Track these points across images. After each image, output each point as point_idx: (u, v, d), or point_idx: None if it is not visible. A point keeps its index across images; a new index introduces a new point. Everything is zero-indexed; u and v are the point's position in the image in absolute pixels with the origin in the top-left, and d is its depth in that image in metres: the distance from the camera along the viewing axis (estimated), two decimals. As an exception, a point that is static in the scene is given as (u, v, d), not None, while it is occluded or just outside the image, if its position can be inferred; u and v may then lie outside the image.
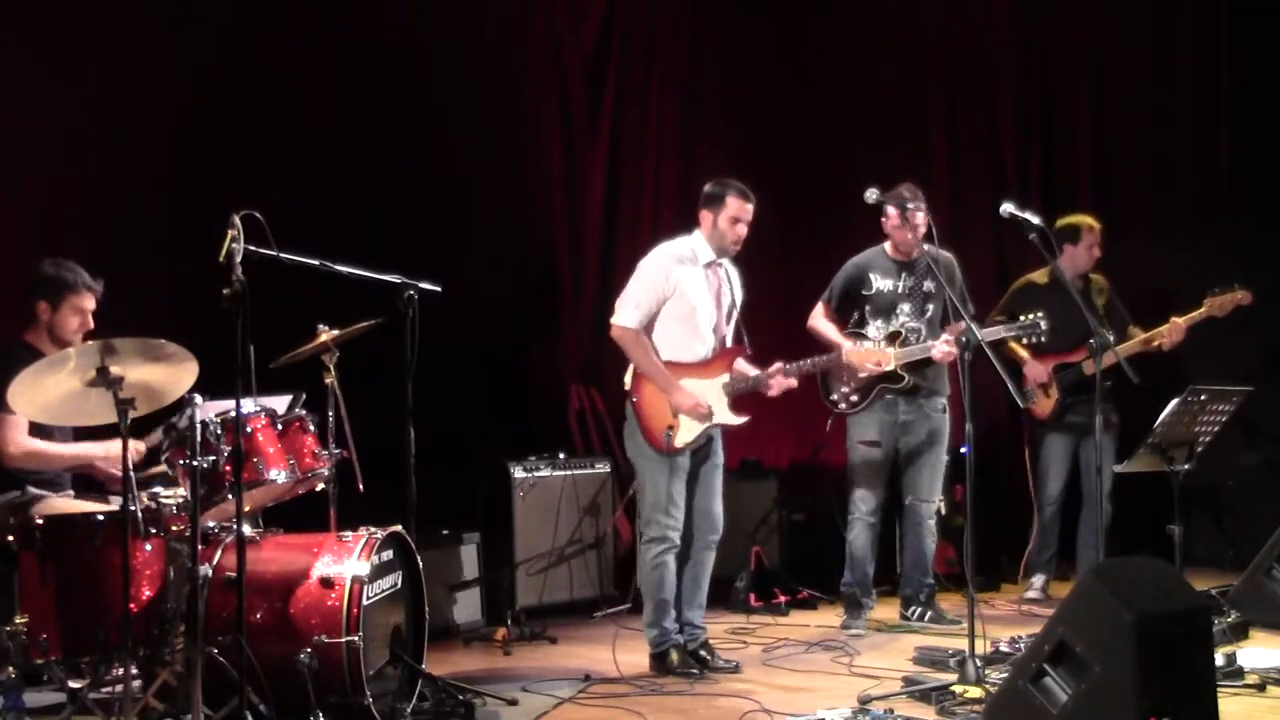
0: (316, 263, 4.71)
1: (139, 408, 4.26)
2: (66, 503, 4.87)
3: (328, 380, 5.10)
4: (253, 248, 4.23)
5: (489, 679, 5.42)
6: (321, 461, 4.91)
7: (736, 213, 5.56)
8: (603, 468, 7.16)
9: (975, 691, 4.77)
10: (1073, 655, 3.94)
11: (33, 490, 4.84)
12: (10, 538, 4.34)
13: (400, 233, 6.62)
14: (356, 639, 4.43)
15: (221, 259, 4.15)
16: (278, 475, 4.73)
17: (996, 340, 5.85)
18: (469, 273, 6.81)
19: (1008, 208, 5.39)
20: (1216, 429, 5.81)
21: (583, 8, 7.92)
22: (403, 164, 6.89)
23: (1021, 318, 5.94)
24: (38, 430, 4.77)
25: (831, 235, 7.51)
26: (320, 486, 5.04)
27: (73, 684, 4.46)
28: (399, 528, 4.83)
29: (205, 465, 4.38)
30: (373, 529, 4.71)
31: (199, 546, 4.28)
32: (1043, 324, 5.84)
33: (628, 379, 5.61)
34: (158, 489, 4.68)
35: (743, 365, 5.64)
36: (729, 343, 5.67)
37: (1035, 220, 5.40)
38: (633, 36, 8.04)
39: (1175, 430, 5.69)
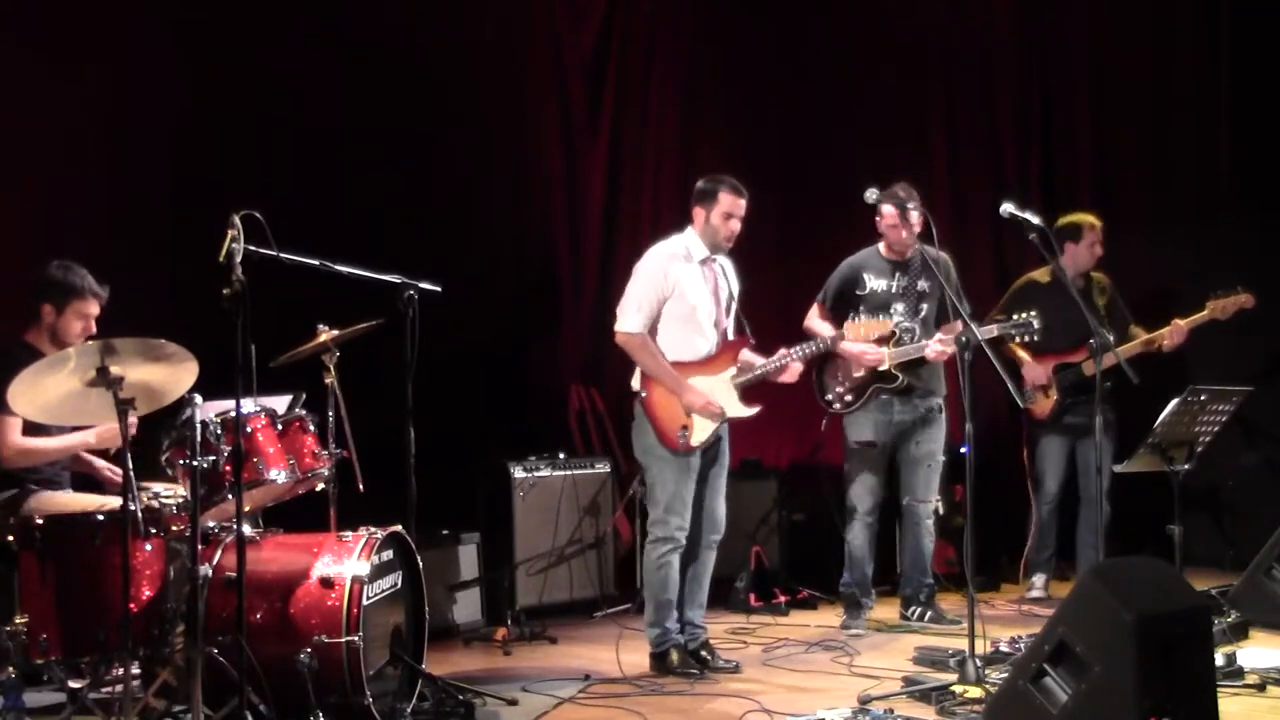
0: (316, 263, 4.71)
1: (139, 408, 4.26)
2: (66, 496, 4.87)
3: (328, 380, 5.09)
4: (253, 248, 4.23)
5: (489, 679, 5.42)
6: (321, 461, 4.91)
7: (729, 208, 5.55)
8: (603, 468, 7.16)
9: (975, 691, 4.77)
10: (1073, 655, 3.94)
11: (32, 488, 4.84)
12: (10, 537, 4.34)
13: (400, 233, 6.62)
14: (356, 639, 4.43)
15: (221, 259, 4.15)
16: (278, 475, 4.73)
17: (994, 340, 5.84)
18: (469, 273, 6.80)
19: (1008, 208, 5.39)
20: (1216, 429, 5.81)
21: (583, 8, 7.92)
22: (403, 164, 6.90)
23: (1014, 316, 5.95)
24: (36, 429, 4.75)
25: (831, 235, 7.49)
26: (320, 486, 5.04)
27: (73, 684, 4.46)
28: (399, 528, 4.82)
29: (205, 465, 4.37)
30: (373, 529, 4.71)
31: (199, 546, 4.27)
32: (1035, 322, 5.83)
33: (636, 380, 5.60)
34: (158, 489, 4.68)
35: (748, 355, 5.64)
36: (731, 336, 5.67)
37: (1035, 220, 5.40)
38: (633, 36, 8.04)
39: (1175, 430, 5.69)
